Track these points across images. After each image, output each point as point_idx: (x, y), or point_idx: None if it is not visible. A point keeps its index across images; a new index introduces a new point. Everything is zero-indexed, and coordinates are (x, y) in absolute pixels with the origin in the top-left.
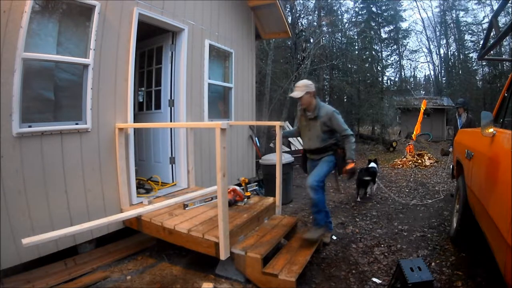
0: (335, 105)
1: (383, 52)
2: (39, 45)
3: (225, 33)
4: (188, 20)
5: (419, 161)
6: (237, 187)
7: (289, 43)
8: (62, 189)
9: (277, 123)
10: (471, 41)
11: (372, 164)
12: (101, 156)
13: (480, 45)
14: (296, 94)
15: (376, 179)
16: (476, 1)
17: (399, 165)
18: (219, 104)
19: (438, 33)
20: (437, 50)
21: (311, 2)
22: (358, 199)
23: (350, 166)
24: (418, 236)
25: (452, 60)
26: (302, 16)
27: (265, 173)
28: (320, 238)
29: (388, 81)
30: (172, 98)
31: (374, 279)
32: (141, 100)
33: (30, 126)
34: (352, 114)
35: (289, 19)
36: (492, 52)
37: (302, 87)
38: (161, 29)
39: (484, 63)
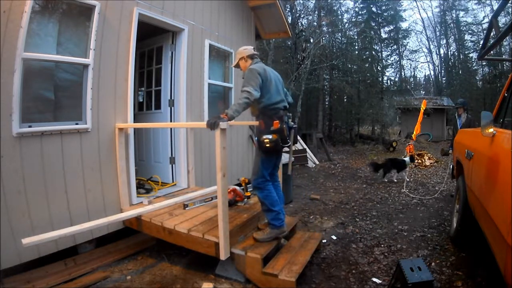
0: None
1: (383, 52)
2: (39, 45)
3: (225, 33)
4: (188, 20)
5: (419, 161)
6: (237, 187)
7: (289, 43)
8: (62, 189)
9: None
10: (471, 41)
11: (406, 158)
12: (101, 156)
13: (480, 45)
14: (234, 63)
15: (404, 173)
16: (476, 1)
17: None
18: (219, 104)
19: (438, 33)
20: (437, 50)
21: (311, 2)
22: (385, 179)
23: (222, 115)
24: (418, 236)
25: (452, 60)
26: (302, 16)
27: None
28: (272, 240)
29: (388, 81)
30: (172, 98)
31: (374, 279)
32: (141, 100)
33: (30, 126)
34: (352, 114)
35: (289, 19)
36: (492, 52)
37: (237, 55)
38: (161, 29)
39: (484, 63)
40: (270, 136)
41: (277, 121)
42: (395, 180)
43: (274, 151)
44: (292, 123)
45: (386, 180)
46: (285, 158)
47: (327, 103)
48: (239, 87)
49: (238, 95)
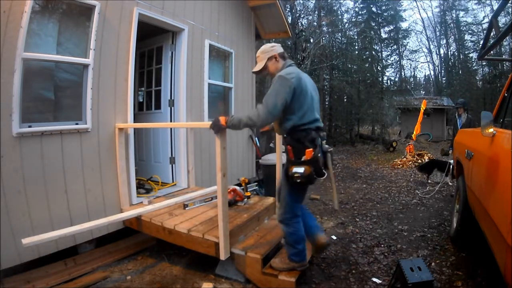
0: (335, 105)
1: (383, 52)
2: (39, 45)
3: (225, 33)
4: (188, 20)
5: (419, 161)
6: (237, 187)
7: (289, 43)
8: (62, 189)
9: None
10: (471, 41)
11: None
12: (101, 156)
13: (480, 45)
14: (257, 67)
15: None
16: (476, 1)
17: (399, 165)
18: (219, 104)
19: (438, 33)
20: (437, 50)
21: (311, 2)
22: (429, 181)
23: (222, 121)
24: (418, 236)
25: (452, 60)
26: (302, 16)
27: (265, 173)
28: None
29: (388, 81)
30: (172, 98)
31: (374, 279)
32: (141, 100)
33: (30, 126)
34: (352, 114)
35: (289, 19)
36: (492, 52)
37: (261, 55)
38: (161, 29)
39: (484, 63)
40: (301, 170)
41: (311, 149)
42: (450, 183)
43: (306, 184)
44: (327, 146)
45: (430, 182)
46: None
47: (327, 103)
48: (239, 87)
49: (239, 95)
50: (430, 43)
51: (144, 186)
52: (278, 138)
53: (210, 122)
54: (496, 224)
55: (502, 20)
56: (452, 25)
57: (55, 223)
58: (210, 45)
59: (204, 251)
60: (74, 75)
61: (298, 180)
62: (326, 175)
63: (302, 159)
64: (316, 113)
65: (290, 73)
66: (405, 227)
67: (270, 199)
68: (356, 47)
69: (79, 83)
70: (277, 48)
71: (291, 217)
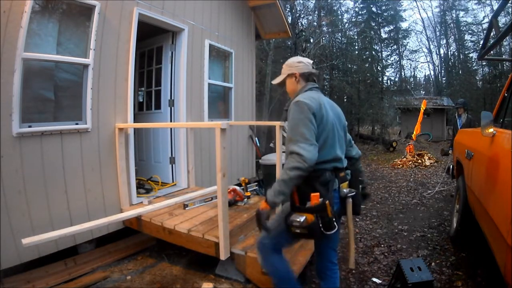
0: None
1: (383, 52)
2: (39, 45)
3: (225, 33)
4: (188, 20)
5: (419, 161)
6: (237, 187)
7: (289, 43)
8: (62, 189)
9: (277, 123)
10: (471, 41)
11: None
12: (101, 156)
13: (480, 45)
14: (277, 78)
15: None
16: (476, 1)
17: (399, 165)
18: (219, 104)
19: (438, 33)
20: (437, 50)
21: (311, 2)
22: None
23: (261, 206)
24: (418, 236)
25: (452, 60)
26: (302, 16)
27: (265, 173)
28: None
29: (388, 81)
30: (172, 98)
31: (374, 279)
32: (141, 100)
33: (30, 126)
34: (352, 114)
35: (289, 19)
36: (492, 52)
37: (285, 68)
38: (161, 29)
39: (484, 63)
40: (301, 219)
41: (317, 193)
42: None
43: (308, 238)
44: (346, 190)
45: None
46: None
47: None
48: (239, 87)
49: (239, 95)
50: (430, 43)
51: (144, 186)
52: (278, 138)
53: (211, 122)
54: (496, 224)
55: (502, 20)
56: (452, 25)
57: (55, 223)
58: (210, 45)
59: (204, 251)
60: (74, 75)
61: (298, 231)
62: (335, 229)
63: (306, 206)
64: (338, 150)
65: (308, 97)
66: (405, 227)
67: None
68: (356, 47)
69: (79, 83)
70: (303, 66)
71: (268, 248)
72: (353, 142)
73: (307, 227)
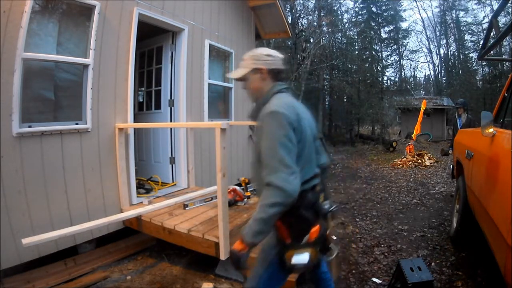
0: (335, 105)
1: (383, 52)
2: (39, 45)
3: (225, 33)
4: (188, 20)
5: (419, 161)
6: (237, 187)
7: (289, 43)
8: (62, 189)
9: None
10: (471, 41)
11: None
12: (101, 156)
13: (480, 45)
14: (236, 72)
15: None
16: (476, 1)
17: (399, 165)
18: (219, 104)
19: (438, 33)
20: (437, 50)
21: (311, 2)
22: None
23: (235, 246)
24: (418, 236)
25: (452, 60)
26: (302, 16)
27: None
28: None
29: (388, 81)
30: (172, 98)
31: (374, 279)
32: (141, 100)
33: (30, 126)
34: (352, 114)
35: (289, 19)
36: (492, 52)
37: (247, 61)
38: (161, 29)
39: (484, 63)
40: (305, 258)
41: (317, 225)
42: None
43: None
44: (327, 204)
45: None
46: None
47: (327, 103)
48: (239, 87)
49: (239, 95)
50: (430, 43)
51: (144, 186)
52: None
53: (211, 122)
54: (496, 224)
55: (502, 20)
56: (452, 25)
57: (55, 223)
58: (210, 45)
59: (204, 251)
60: (74, 75)
61: (303, 271)
62: (330, 249)
63: (304, 241)
64: (315, 165)
65: (284, 105)
66: (405, 227)
67: None
68: (356, 47)
69: (79, 83)
70: (273, 61)
71: None
72: (323, 147)
73: (310, 265)
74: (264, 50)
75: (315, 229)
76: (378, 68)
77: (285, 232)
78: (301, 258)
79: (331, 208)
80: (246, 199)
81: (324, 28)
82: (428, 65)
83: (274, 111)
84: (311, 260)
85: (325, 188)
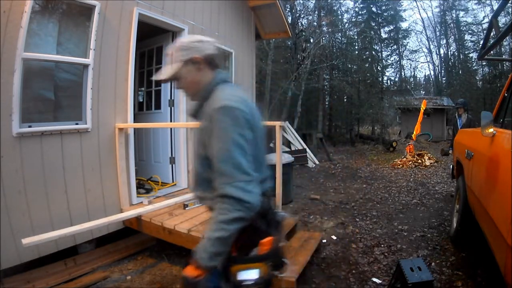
0: (335, 105)
1: (383, 52)
2: (39, 45)
3: (225, 33)
4: (188, 20)
5: (419, 161)
6: None
7: (289, 43)
8: (62, 189)
9: (277, 123)
10: (471, 41)
11: None
12: (101, 156)
13: (480, 45)
14: (164, 72)
15: None
16: (476, 1)
17: (399, 165)
18: None
19: (438, 33)
20: (437, 50)
21: (311, 2)
22: None
23: (188, 272)
24: (418, 236)
25: (452, 60)
26: (302, 16)
27: None
28: None
29: (388, 81)
30: (172, 98)
31: (374, 279)
32: (141, 100)
33: (30, 126)
34: (352, 114)
35: (289, 19)
36: (492, 52)
37: (177, 54)
38: (161, 29)
39: (484, 63)
40: (254, 274)
41: (270, 238)
42: None
43: None
44: (280, 212)
45: None
46: (285, 158)
47: (327, 103)
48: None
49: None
50: (430, 43)
51: (144, 186)
52: (278, 138)
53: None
54: (496, 224)
55: (502, 20)
56: (452, 25)
57: (55, 223)
58: None
59: None
60: (74, 75)
61: None
62: (285, 264)
63: (253, 254)
64: (266, 167)
65: (237, 98)
66: (405, 227)
67: None
68: (356, 47)
69: (79, 83)
70: (207, 45)
71: None
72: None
73: (265, 282)
74: (191, 37)
75: (267, 241)
76: (378, 68)
77: (232, 244)
78: (250, 274)
79: (283, 216)
80: None
81: (324, 28)
82: (428, 65)
83: (226, 106)
84: (261, 277)
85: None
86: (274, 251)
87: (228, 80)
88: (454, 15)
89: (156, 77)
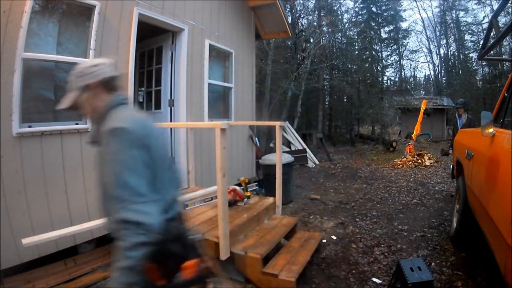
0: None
1: (383, 52)
2: (39, 45)
3: (225, 33)
4: (188, 20)
5: (419, 161)
6: (237, 187)
7: (289, 43)
8: (62, 189)
9: (277, 123)
10: (471, 41)
11: None
12: None
13: (480, 45)
14: (64, 103)
15: None
16: (476, 1)
17: (399, 165)
18: (219, 104)
19: (438, 33)
20: (437, 50)
21: (311, 2)
22: None
23: None
24: (418, 236)
25: (452, 60)
26: (302, 16)
27: (265, 173)
28: None
29: (388, 81)
30: (172, 98)
31: (374, 279)
32: (141, 100)
33: (30, 126)
34: (352, 114)
35: (289, 19)
36: (492, 52)
37: (74, 81)
38: (161, 29)
39: (484, 63)
40: None
41: (194, 261)
42: None
43: None
44: (194, 234)
45: None
46: (285, 158)
47: (327, 103)
48: (239, 87)
49: (239, 95)
50: (430, 43)
51: None
52: (278, 138)
53: (211, 122)
54: (496, 224)
55: (502, 20)
56: (452, 25)
57: (55, 223)
58: (210, 45)
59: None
60: None
61: None
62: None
63: (179, 281)
64: (175, 189)
65: (128, 118)
66: (405, 227)
67: (270, 199)
68: (356, 47)
69: None
70: (102, 70)
71: None
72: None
73: None
74: (88, 62)
75: (191, 264)
76: (378, 68)
77: (154, 273)
78: None
79: (198, 238)
80: (246, 199)
81: (324, 28)
82: (428, 65)
83: (116, 128)
84: None
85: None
86: (202, 273)
87: (125, 102)
88: (454, 15)
89: (58, 106)
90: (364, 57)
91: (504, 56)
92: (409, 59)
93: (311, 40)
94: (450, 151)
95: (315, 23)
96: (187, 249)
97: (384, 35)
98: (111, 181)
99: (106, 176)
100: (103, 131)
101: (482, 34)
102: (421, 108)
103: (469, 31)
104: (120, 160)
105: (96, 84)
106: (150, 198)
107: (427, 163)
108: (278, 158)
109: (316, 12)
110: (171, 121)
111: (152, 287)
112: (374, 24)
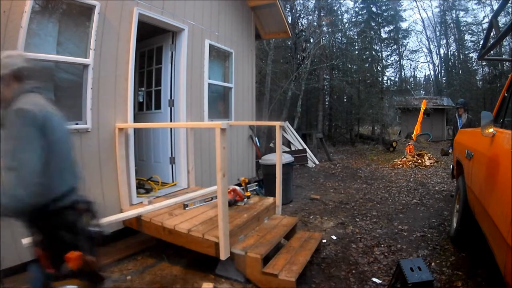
0: (335, 105)
1: (383, 52)
2: (39, 45)
3: (225, 33)
4: (188, 20)
5: (419, 161)
6: (237, 187)
7: (289, 43)
8: None
9: (277, 123)
10: (471, 41)
11: None
12: (101, 156)
13: (480, 45)
14: None
15: None
16: (476, 1)
17: (399, 165)
18: (219, 104)
19: (438, 33)
20: (437, 50)
21: (311, 2)
22: None
23: None
24: (418, 236)
25: (452, 60)
26: (302, 16)
27: (265, 173)
28: None
29: (388, 81)
30: (172, 98)
31: (374, 279)
32: (141, 100)
33: None
34: (352, 114)
35: (289, 19)
36: (492, 52)
37: None
38: (161, 29)
39: (484, 63)
40: None
41: (77, 253)
42: None
43: None
44: (93, 226)
45: None
46: (285, 158)
47: (327, 103)
48: (239, 87)
49: (239, 95)
50: (430, 43)
51: (144, 186)
52: (278, 138)
53: (211, 122)
54: (496, 224)
55: (502, 20)
56: (452, 25)
57: None
58: (210, 45)
59: (204, 251)
60: (74, 75)
61: None
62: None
63: (66, 270)
64: (73, 179)
65: (32, 103)
66: (405, 227)
67: (270, 199)
68: (356, 47)
69: (79, 83)
70: (9, 61)
71: None
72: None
73: None
74: (2, 54)
75: (75, 256)
76: (378, 68)
77: (45, 260)
78: None
79: (99, 231)
80: (246, 199)
81: (324, 28)
82: (428, 65)
83: (18, 109)
84: None
85: (93, 209)
86: (88, 265)
87: (35, 90)
88: (454, 15)
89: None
90: (364, 57)
91: (504, 56)
92: (409, 59)
93: (311, 40)
94: (450, 151)
95: (315, 23)
96: (80, 240)
97: (384, 35)
98: (8, 153)
99: (2, 151)
100: (9, 111)
101: (482, 34)
102: (421, 108)
103: (469, 31)
104: (17, 135)
105: (8, 75)
106: (32, 177)
107: (427, 163)
108: (278, 158)
109: (316, 12)
110: (171, 121)
111: (43, 275)
112: (374, 24)
